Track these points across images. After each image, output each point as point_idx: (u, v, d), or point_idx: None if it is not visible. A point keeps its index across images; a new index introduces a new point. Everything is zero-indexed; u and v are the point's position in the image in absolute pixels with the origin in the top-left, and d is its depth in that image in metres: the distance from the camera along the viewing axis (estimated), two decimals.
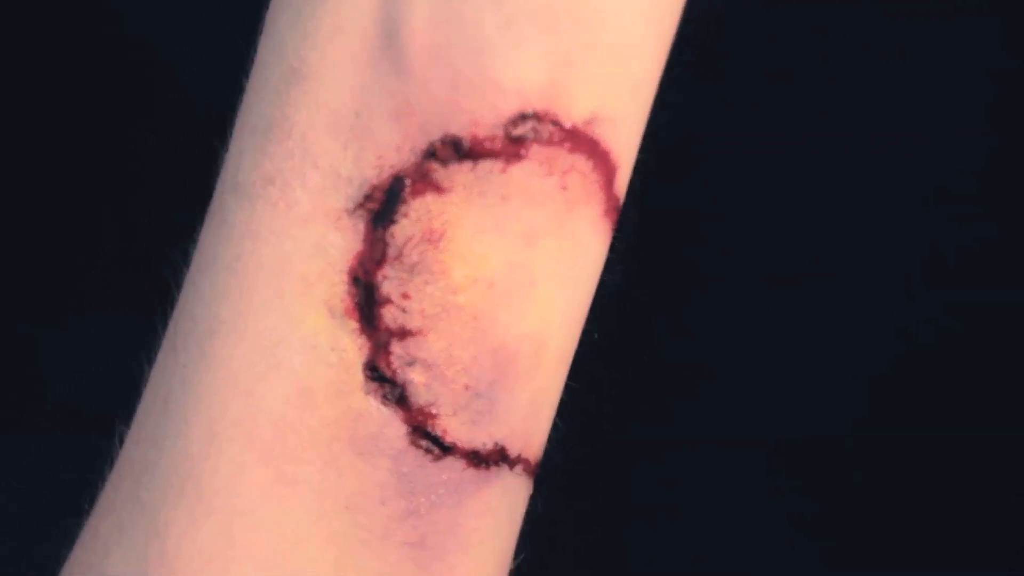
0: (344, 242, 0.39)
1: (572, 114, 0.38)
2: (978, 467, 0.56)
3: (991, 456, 0.56)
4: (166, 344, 0.41)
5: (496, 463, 0.40)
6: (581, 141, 0.39)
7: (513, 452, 0.40)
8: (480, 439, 0.40)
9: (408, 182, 0.38)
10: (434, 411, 0.39)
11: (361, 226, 0.38)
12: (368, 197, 0.38)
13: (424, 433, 0.39)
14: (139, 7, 0.58)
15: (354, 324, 0.39)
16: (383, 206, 0.38)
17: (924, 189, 0.56)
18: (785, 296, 0.57)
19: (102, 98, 0.59)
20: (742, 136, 0.56)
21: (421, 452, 0.39)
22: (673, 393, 0.58)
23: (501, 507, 0.41)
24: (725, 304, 0.57)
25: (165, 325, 0.42)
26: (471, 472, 0.40)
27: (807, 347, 0.57)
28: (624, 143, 0.40)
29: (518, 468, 0.41)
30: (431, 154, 0.38)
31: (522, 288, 0.39)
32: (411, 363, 0.39)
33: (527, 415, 0.40)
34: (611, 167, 0.40)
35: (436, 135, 0.38)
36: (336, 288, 0.39)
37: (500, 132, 0.38)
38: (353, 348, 0.39)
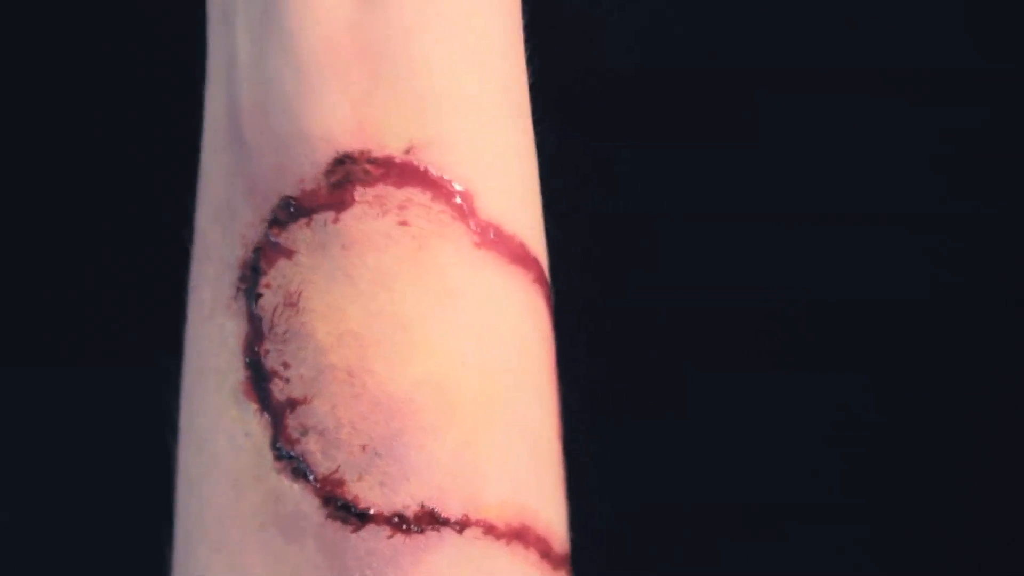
0: (236, 327, 0.40)
1: (387, 148, 0.38)
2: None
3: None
4: None
5: (431, 526, 0.39)
6: (407, 173, 0.38)
7: (450, 513, 0.39)
8: (400, 501, 0.39)
9: (260, 252, 0.39)
10: (339, 477, 0.39)
11: (243, 307, 0.40)
12: (241, 277, 0.40)
13: (337, 503, 0.39)
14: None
15: (254, 405, 0.39)
16: (250, 282, 0.39)
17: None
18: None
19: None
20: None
21: (339, 524, 0.39)
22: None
23: (459, 574, 0.39)
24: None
25: None
26: (401, 539, 0.39)
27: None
28: (470, 165, 0.39)
29: (472, 531, 0.39)
30: (275, 220, 0.39)
31: (391, 335, 0.38)
32: (305, 432, 0.39)
33: (455, 472, 0.39)
34: (459, 194, 0.39)
35: (275, 200, 0.39)
36: (237, 373, 0.40)
37: (323, 182, 0.39)
38: (259, 430, 0.39)
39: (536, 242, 0.40)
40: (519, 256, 0.40)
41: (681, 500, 0.61)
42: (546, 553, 0.40)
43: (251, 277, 0.39)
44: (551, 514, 0.40)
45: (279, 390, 0.39)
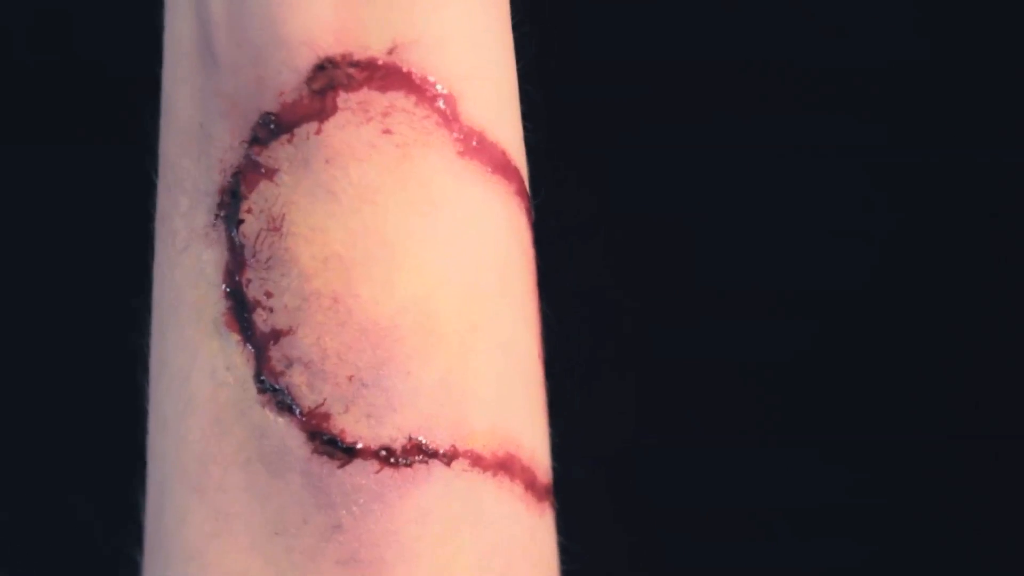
0: (215, 256, 0.38)
1: (370, 49, 0.36)
2: None
3: None
4: None
5: (420, 459, 0.37)
6: (390, 76, 0.36)
7: (438, 444, 0.37)
8: (386, 433, 0.37)
9: (240, 175, 0.38)
10: (325, 411, 0.37)
11: (223, 235, 0.38)
12: (220, 204, 0.38)
13: (323, 438, 0.37)
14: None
15: (236, 337, 0.38)
16: (229, 208, 0.38)
17: None
18: None
19: None
20: None
21: (325, 459, 0.37)
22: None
23: (446, 508, 0.37)
24: None
25: None
26: (389, 472, 0.37)
27: None
28: (454, 66, 0.37)
29: (459, 463, 0.37)
30: (255, 139, 0.37)
31: (375, 255, 0.37)
32: (289, 364, 0.37)
33: (442, 400, 0.37)
34: (443, 97, 0.37)
35: (254, 118, 0.37)
36: (218, 305, 0.38)
37: (304, 91, 0.37)
38: (242, 362, 0.37)
39: (517, 151, 0.39)
40: (501, 165, 0.38)
41: (687, 503, 0.60)
42: (531, 484, 0.38)
43: (231, 203, 0.38)
44: (535, 442, 0.38)
45: (262, 320, 0.37)
